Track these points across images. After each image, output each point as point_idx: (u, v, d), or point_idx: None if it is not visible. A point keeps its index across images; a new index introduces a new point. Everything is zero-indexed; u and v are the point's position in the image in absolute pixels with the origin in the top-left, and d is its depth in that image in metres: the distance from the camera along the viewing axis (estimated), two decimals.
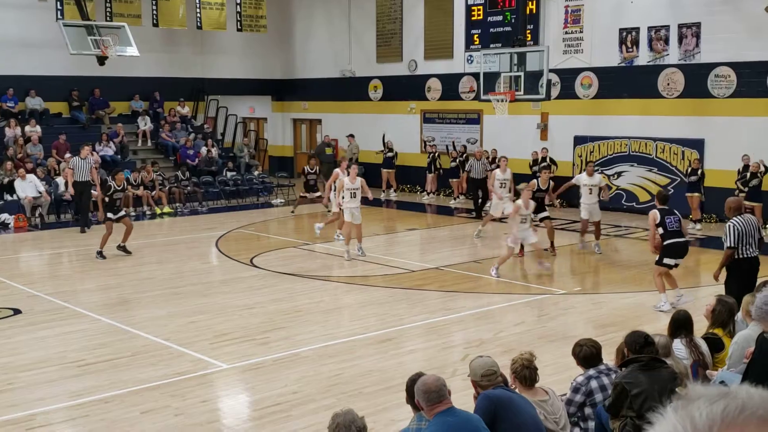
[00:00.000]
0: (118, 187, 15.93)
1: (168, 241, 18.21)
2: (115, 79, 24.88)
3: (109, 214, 15.70)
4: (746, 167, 17.99)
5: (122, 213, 16.13)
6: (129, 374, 8.96)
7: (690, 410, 1.02)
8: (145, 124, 25.73)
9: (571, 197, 21.92)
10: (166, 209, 22.20)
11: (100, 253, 15.65)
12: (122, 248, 15.98)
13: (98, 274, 14.58)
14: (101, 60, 21.79)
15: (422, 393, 5.05)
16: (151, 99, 26.70)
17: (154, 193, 22.27)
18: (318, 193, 21.09)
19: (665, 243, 11.32)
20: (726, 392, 1.04)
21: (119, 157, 23.85)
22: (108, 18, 23.58)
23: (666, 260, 11.39)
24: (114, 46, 21.40)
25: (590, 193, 15.63)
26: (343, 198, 15.44)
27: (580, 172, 18.40)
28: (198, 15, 25.60)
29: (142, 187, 21.91)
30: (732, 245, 9.73)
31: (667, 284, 11.54)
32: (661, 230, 11.31)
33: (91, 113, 25.39)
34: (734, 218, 9.85)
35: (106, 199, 15.78)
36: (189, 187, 23.58)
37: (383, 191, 25.04)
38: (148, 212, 21.95)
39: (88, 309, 11.90)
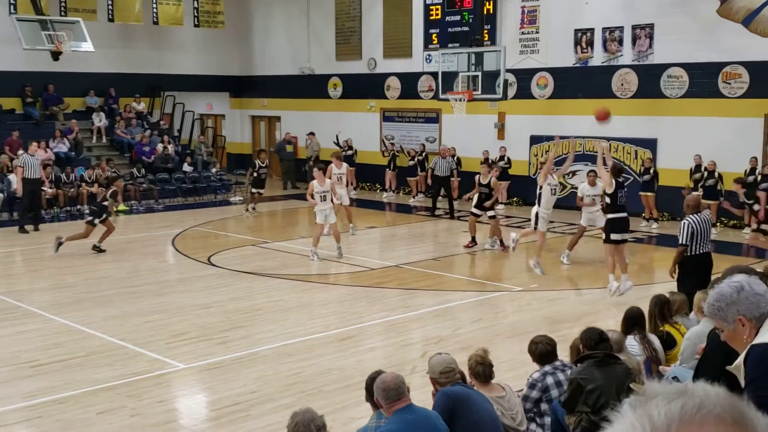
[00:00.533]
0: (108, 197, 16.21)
1: (123, 240, 17.97)
2: (70, 74, 24.49)
3: (96, 219, 15.77)
4: (698, 167, 18.36)
5: (105, 215, 16.04)
6: (84, 374, 8.85)
7: (648, 408, 1.03)
8: (99, 120, 25.39)
9: (527, 195, 22.16)
10: (122, 207, 21.90)
11: (59, 245, 15.49)
12: (97, 248, 15.86)
13: (52, 273, 14.37)
14: (55, 55, 21.49)
15: (381, 391, 5.08)
16: (106, 95, 26.34)
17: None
18: (262, 190, 20.96)
19: (609, 216, 11.95)
20: (684, 390, 1.05)
21: (73, 153, 23.51)
22: (62, 13, 23.25)
23: (613, 236, 11.95)
24: (68, 42, 21.12)
25: (593, 203, 14.98)
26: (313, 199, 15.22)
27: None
28: (154, 10, 25.35)
29: (96, 185, 21.62)
30: (684, 242, 9.88)
31: (619, 267, 11.95)
32: (609, 200, 11.90)
33: (44, 109, 24.96)
34: (690, 216, 9.98)
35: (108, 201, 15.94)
36: (144, 185, 23.32)
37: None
38: None
39: (41, 308, 11.73)
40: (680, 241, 9.94)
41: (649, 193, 18.98)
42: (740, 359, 3.48)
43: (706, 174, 18.09)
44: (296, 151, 27.41)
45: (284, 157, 27.10)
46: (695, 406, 1.02)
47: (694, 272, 9.78)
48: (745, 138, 18.26)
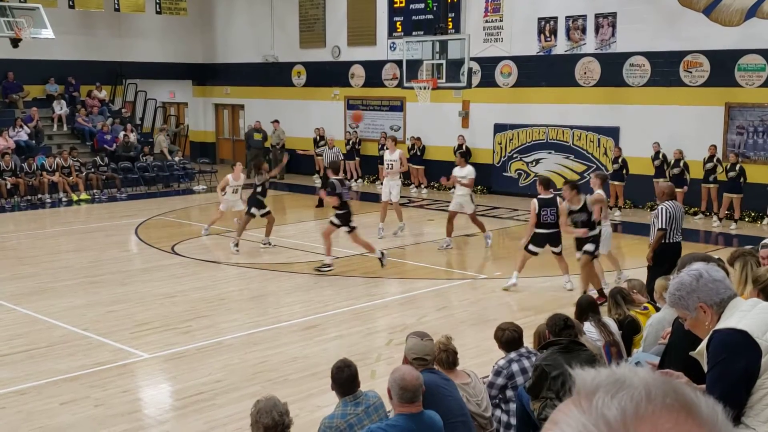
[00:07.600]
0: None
1: (85, 229, 17.78)
2: (30, 62, 24.12)
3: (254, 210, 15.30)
4: (657, 154, 18.59)
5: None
6: (47, 365, 8.76)
7: (598, 407, 0.97)
8: (60, 108, 25.03)
9: (491, 183, 22.27)
10: (83, 196, 21.67)
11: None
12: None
13: (13, 263, 14.16)
14: (15, 42, 21.11)
15: (398, 387, 4.89)
16: (67, 83, 25.96)
17: (70, 178, 21.70)
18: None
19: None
20: (618, 379, 1.00)
21: (34, 142, 23.16)
22: None
23: (531, 247, 11.93)
24: (28, 28, 20.77)
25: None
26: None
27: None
28: None
29: (57, 173, 21.34)
30: (663, 227, 10.08)
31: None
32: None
33: (4, 97, 24.56)
34: (666, 202, 10.23)
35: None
36: (107, 173, 23.05)
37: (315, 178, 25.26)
38: (64, 199, 21.39)
39: (2, 299, 11.56)
40: (659, 226, 10.12)
41: (617, 182, 19.11)
42: (703, 344, 3.54)
43: (672, 162, 18.31)
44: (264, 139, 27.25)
45: (253, 145, 26.92)
46: (643, 399, 0.97)
47: (665, 261, 9.91)
48: (706, 126, 18.50)
